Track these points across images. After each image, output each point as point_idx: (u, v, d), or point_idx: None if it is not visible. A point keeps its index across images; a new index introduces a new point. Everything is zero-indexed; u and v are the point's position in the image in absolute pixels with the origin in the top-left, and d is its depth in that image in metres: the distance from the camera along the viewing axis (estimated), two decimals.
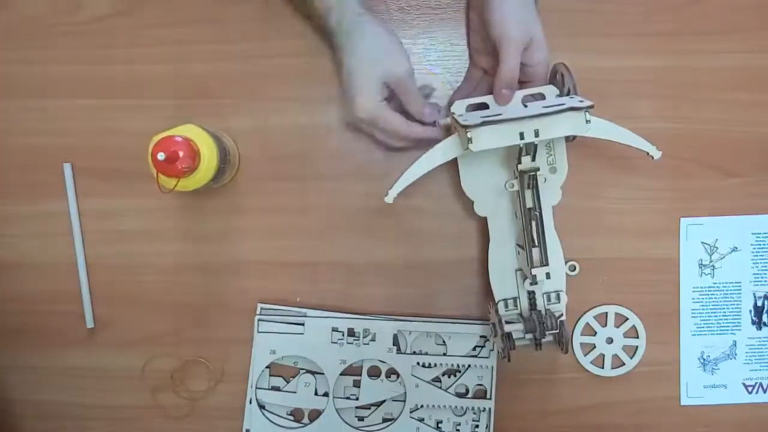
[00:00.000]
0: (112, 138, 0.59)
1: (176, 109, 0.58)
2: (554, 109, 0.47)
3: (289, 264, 0.60)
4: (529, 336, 0.53)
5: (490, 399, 0.58)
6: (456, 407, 0.59)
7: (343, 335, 0.59)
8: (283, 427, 0.59)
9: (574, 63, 0.57)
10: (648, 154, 0.50)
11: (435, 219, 0.59)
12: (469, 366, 0.59)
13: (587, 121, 0.47)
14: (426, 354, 0.59)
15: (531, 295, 0.54)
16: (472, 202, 0.54)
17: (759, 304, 0.60)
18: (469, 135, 0.46)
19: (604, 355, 0.59)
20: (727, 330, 0.60)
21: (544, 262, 0.50)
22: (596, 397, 0.60)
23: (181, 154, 0.48)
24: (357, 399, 0.59)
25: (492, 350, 0.58)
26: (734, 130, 0.59)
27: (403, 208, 0.59)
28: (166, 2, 0.58)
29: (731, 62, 0.58)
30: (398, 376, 0.59)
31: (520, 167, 0.50)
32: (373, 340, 0.59)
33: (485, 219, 0.55)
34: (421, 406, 0.59)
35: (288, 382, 0.60)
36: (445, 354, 0.59)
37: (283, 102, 0.59)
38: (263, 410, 0.59)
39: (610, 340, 0.59)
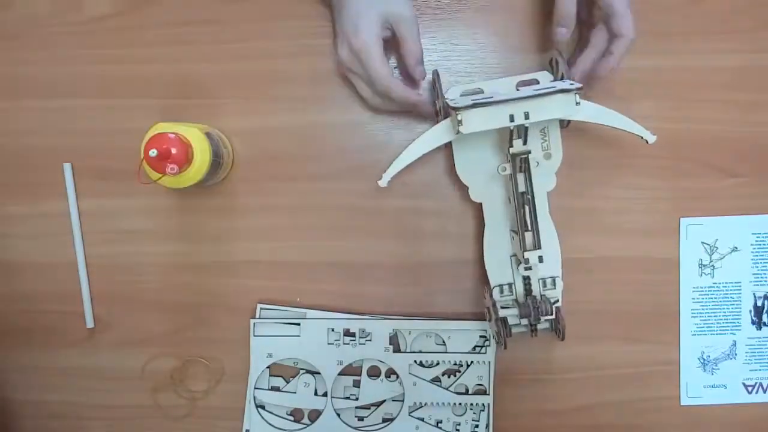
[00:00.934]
0: (112, 138, 0.59)
1: (176, 109, 0.59)
2: (544, 91, 0.47)
3: (288, 264, 0.60)
4: (524, 321, 0.53)
5: (489, 395, 0.58)
6: (456, 405, 0.59)
7: (339, 336, 0.59)
8: (282, 428, 0.59)
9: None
10: (642, 138, 0.50)
11: (434, 218, 0.59)
12: (469, 365, 0.59)
13: (577, 104, 0.47)
14: (424, 353, 0.59)
15: (526, 280, 0.54)
16: (467, 188, 0.55)
17: (759, 304, 0.60)
18: (459, 117, 0.46)
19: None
20: (727, 330, 0.60)
21: (537, 246, 0.50)
22: (596, 397, 0.60)
23: (173, 151, 0.48)
24: (357, 399, 0.59)
25: (489, 344, 0.58)
26: (734, 130, 0.59)
27: (403, 208, 0.59)
28: (166, 2, 0.58)
29: (731, 62, 0.58)
30: (398, 376, 0.59)
31: (511, 150, 0.50)
32: (369, 340, 0.59)
33: (485, 219, 0.55)
34: (421, 406, 0.59)
35: (288, 382, 0.60)
36: (444, 353, 0.59)
37: (283, 102, 0.59)
38: (263, 410, 0.59)
39: None
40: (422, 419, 0.59)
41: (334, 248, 0.59)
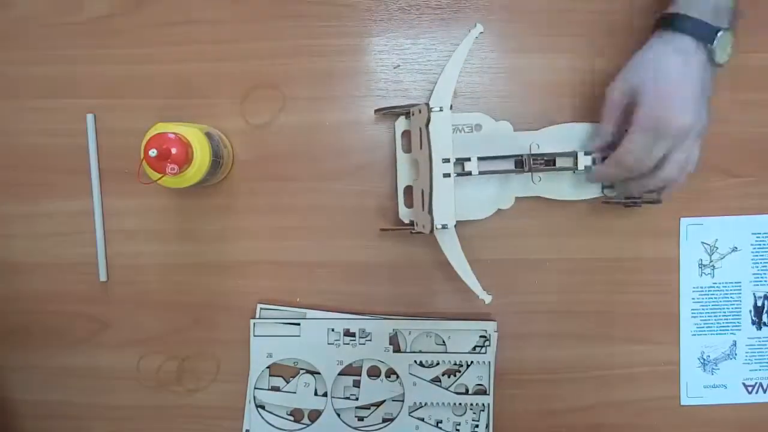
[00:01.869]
0: (112, 138, 0.59)
1: (175, 109, 0.59)
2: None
3: (288, 264, 0.60)
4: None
5: (489, 395, 0.58)
6: (456, 405, 0.59)
7: (339, 336, 0.59)
8: (282, 428, 0.59)
9: (574, 63, 0.58)
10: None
11: None
12: (469, 365, 0.59)
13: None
14: (424, 353, 0.59)
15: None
16: None
17: (759, 304, 0.60)
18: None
19: None
20: (727, 330, 0.60)
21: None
22: (596, 397, 0.60)
23: (173, 151, 0.48)
24: (357, 399, 0.59)
25: (489, 344, 0.58)
26: (734, 130, 0.59)
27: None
28: (166, 2, 0.58)
29: (731, 62, 0.58)
30: (398, 376, 0.59)
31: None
32: (369, 340, 0.59)
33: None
34: (421, 406, 0.59)
35: (288, 382, 0.60)
36: (444, 353, 0.59)
37: (283, 102, 0.59)
38: (263, 410, 0.59)
39: None
40: (422, 419, 0.59)
41: (334, 248, 0.59)
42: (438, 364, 0.59)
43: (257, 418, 0.59)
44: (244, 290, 0.60)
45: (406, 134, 0.58)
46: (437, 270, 0.59)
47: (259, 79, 0.59)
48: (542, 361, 0.60)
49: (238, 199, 0.59)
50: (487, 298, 0.55)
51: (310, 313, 0.59)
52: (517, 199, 0.57)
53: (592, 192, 0.56)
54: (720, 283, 0.60)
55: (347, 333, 0.59)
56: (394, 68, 0.59)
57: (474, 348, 0.59)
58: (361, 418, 0.60)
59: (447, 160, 0.52)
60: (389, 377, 0.59)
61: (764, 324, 0.60)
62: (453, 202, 0.53)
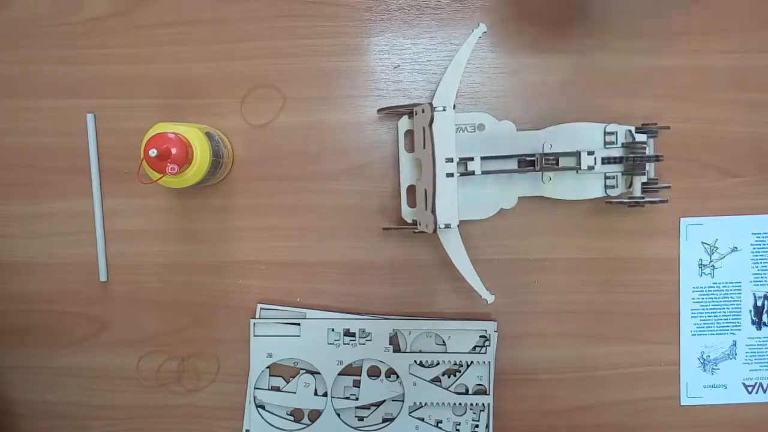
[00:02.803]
0: (112, 138, 0.59)
1: (175, 109, 0.59)
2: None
3: (288, 264, 0.60)
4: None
5: (489, 395, 0.58)
6: (456, 405, 0.59)
7: (339, 336, 0.59)
8: (282, 428, 0.59)
9: (574, 63, 0.58)
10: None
11: None
12: (469, 365, 0.59)
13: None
14: (424, 353, 0.59)
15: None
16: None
17: (759, 304, 0.60)
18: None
19: None
20: (727, 330, 0.60)
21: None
22: (596, 397, 0.60)
23: (173, 151, 0.48)
24: (357, 399, 0.59)
25: (489, 344, 0.58)
26: (734, 130, 0.59)
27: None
28: (166, 2, 0.58)
29: (731, 62, 0.58)
30: (398, 376, 0.59)
31: None
32: (369, 340, 0.59)
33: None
34: (421, 406, 0.59)
35: (288, 382, 0.60)
36: (444, 353, 0.59)
37: (283, 102, 0.59)
38: (263, 410, 0.59)
39: None
40: (422, 419, 0.59)
41: (334, 248, 0.59)
42: (438, 364, 0.59)
43: (257, 418, 0.59)
44: (244, 290, 0.60)
45: (409, 134, 0.58)
46: (437, 270, 0.59)
47: (259, 79, 0.59)
48: (542, 361, 0.60)
49: (238, 199, 0.59)
50: (490, 298, 0.55)
51: (310, 313, 0.59)
52: (520, 198, 0.57)
53: (595, 192, 0.56)
54: (720, 283, 0.60)
55: (347, 333, 0.59)
56: (394, 68, 0.59)
57: (474, 348, 0.59)
58: (361, 418, 0.60)
59: (450, 160, 0.52)
60: (389, 377, 0.59)
61: (764, 324, 0.60)
62: (456, 202, 0.53)
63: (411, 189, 0.58)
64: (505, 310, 0.59)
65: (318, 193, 0.59)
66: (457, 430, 0.59)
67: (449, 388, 0.59)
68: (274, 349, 0.59)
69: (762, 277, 0.60)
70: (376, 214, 0.59)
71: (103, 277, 0.60)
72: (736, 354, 0.60)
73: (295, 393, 0.59)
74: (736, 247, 0.60)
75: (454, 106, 0.53)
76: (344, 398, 0.59)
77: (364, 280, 0.60)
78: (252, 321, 0.59)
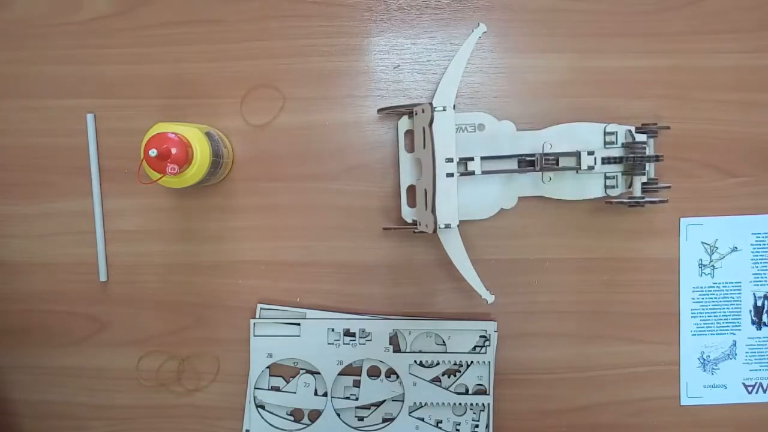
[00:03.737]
0: (112, 138, 0.59)
1: (175, 109, 0.59)
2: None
3: (288, 264, 0.60)
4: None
5: (489, 395, 0.58)
6: (456, 405, 0.59)
7: (339, 336, 0.59)
8: (282, 428, 0.59)
9: (574, 63, 0.58)
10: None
11: None
12: (469, 365, 0.59)
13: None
14: (424, 353, 0.59)
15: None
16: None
17: (759, 304, 0.60)
18: None
19: None
20: (727, 330, 0.60)
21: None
22: (596, 397, 0.60)
23: (173, 151, 0.48)
24: (357, 399, 0.59)
25: (489, 344, 0.58)
26: (734, 130, 0.59)
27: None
28: (166, 2, 0.58)
29: (731, 62, 0.58)
30: (398, 376, 0.59)
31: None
32: (369, 340, 0.59)
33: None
34: (421, 406, 0.59)
35: (288, 382, 0.60)
36: (444, 353, 0.59)
37: (283, 102, 0.59)
38: (263, 410, 0.59)
39: None
40: (422, 419, 0.59)
41: (334, 248, 0.59)
42: (438, 364, 0.59)
43: (257, 418, 0.59)
44: (244, 290, 0.60)
45: (409, 134, 0.58)
46: (437, 270, 0.59)
47: (259, 79, 0.59)
48: (542, 361, 0.60)
49: (238, 199, 0.59)
50: (490, 298, 0.55)
51: (310, 313, 0.59)
52: (520, 198, 0.57)
53: (595, 192, 0.56)
54: (720, 283, 0.60)
55: (347, 333, 0.59)
56: (394, 68, 0.59)
57: (474, 348, 0.59)
58: (361, 418, 0.60)
59: (450, 160, 0.52)
60: (389, 377, 0.59)
61: (764, 324, 0.60)
62: (456, 202, 0.53)
63: (411, 189, 0.58)
64: (505, 310, 0.59)
65: (318, 193, 0.59)
66: (457, 430, 0.59)
67: (449, 388, 0.59)
68: (274, 349, 0.59)
69: (762, 277, 0.60)
70: (376, 214, 0.59)
71: (103, 277, 0.60)
72: (736, 354, 0.60)
73: (295, 393, 0.59)
74: (736, 247, 0.60)
75: (454, 106, 0.53)
76: (344, 398, 0.59)
77: (364, 280, 0.60)
78: (252, 321, 0.59)
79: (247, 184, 0.59)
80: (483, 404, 0.59)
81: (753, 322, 0.60)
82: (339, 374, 0.59)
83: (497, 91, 0.58)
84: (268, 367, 0.59)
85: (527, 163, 0.55)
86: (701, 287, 0.60)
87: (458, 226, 0.53)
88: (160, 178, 0.49)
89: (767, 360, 0.60)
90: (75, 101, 0.59)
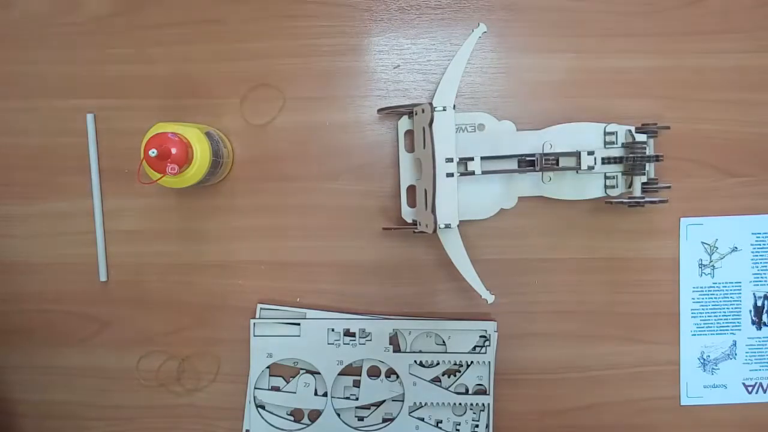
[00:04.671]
0: (112, 138, 0.59)
1: (175, 109, 0.59)
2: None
3: (288, 264, 0.60)
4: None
5: (489, 395, 0.58)
6: (456, 405, 0.59)
7: (339, 336, 0.59)
8: (282, 428, 0.59)
9: (574, 63, 0.58)
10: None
11: None
12: (469, 365, 0.59)
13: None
14: (424, 353, 0.59)
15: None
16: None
17: (759, 304, 0.60)
18: None
19: None
20: (727, 330, 0.60)
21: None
22: (596, 397, 0.60)
23: (173, 151, 0.48)
24: (357, 399, 0.59)
25: (489, 344, 0.58)
26: (734, 130, 0.59)
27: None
28: (166, 2, 0.58)
29: (731, 62, 0.58)
30: (398, 376, 0.59)
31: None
32: (369, 340, 0.59)
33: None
34: (421, 406, 0.59)
35: (288, 382, 0.60)
36: (444, 353, 0.59)
37: (283, 102, 0.59)
38: (263, 410, 0.59)
39: None
40: (422, 419, 0.59)
41: (334, 248, 0.59)
42: (438, 364, 0.59)
43: (257, 418, 0.59)
44: (244, 290, 0.60)
45: (409, 134, 0.58)
46: (437, 270, 0.59)
47: (259, 79, 0.59)
48: (542, 361, 0.60)
49: (238, 199, 0.59)
50: (490, 298, 0.55)
51: (310, 313, 0.59)
52: (520, 198, 0.57)
53: (595, 192, 0.56)
54: (720, 283, 0.60)
55: (347, 333, 0.59)
56: (394, 68, 0.59)
57: (474, 348, 0.59)
58: (361, 418, 0.60)
59: (450, 160, 0.52)
60: (389, 377, 0.59)
61: (764, 324, 0.60)
62: (456, 202, 0.53)
63: (411, 189, 0.58)
64: (505, 310, 0.59)
65: (318, 193, 0.59)
66: (457, 430, 0.59)
67: (449, 388, 0.59)
68: (274, 349, 0.59)
69: (762, 277, 0.60)
70: (376, 214, 0.59)
71: (103, 277, 0.60)
72: (736, 354, 0.60)
73: (295, 393, 0.59)
74: (736, 247, 0.60)
75: (454, 106, 0.53)
76: (344, 398, 0.59)
77: (364, 280, 0.60)
78: (252, 321, 0.59)
79: (247, 184, 0.59)
80: (483, 404, 0.59)
81: (753, 322, 0.60)
82: (339, 374, 0.59)
83: (497, 91, 0.58)
84: (268, 367, 0.59)
85: (527, 163, 0.55)
86: (701, 287, 0.60)
87: (458, 226, 0.53)
88: (160, 178, 0.49)
89: (767, 360, 0.60)
90: (75, 101, 0.59)
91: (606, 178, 0.56)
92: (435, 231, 0.53)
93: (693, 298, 0.60)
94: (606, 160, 0.54)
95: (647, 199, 0.54)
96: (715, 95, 0.58)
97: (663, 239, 0.59)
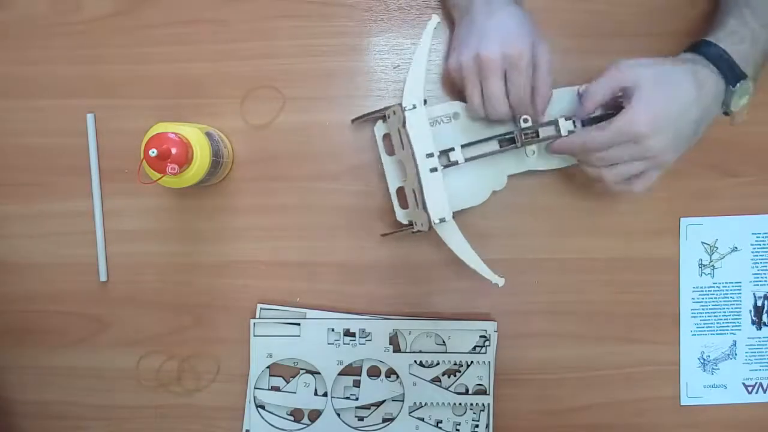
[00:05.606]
0: (112, 138, 0.59)
1: (175, 109, 0.59)
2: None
3: (288, 264, 0.60)
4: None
5: (489, 395, 0.58)
6: (456, 405, 0.59)
7: (339, 336, 0.59)
8: (282, 428, 0.59)
9: (574, 63, 0.58)
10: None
11: None
12: (469, 365, 0.59)
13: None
14: (424, 353, 0.59)
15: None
16: None
17: (759, 304, 0.60)
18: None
19: None
20: (727, 330, 0.60)
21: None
22: (596, 397, 0.60)
23: (173, 151, 0.48)
24: (357, 399, 0.59)
25: (489, 344, 0.58)
26: (734, 130, 0.58)
27: None
28: (166, 2, 0.58)
29: None
30: (398, 376, 0.59)
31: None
32: (369, 340, 0.59)
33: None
34: (421, 406, 0.59)
35: (288, 382, 0.60)
36: (444, 353, 0.59)
37: (283, 102, 0.59)
38: (263, 410, 0.59)
39: None
40: (422, 419, 0.59)
41: (334, 248, 0.59)
42: (438, 364, 0.59)
43: (257, 418, 0.59)
44: (244, 290, 0.60)
45: (387, 137, 0.58)
46: (437, 270, 0.59)
47: (259, 79, 0.59)
48: (542, 361, 0.60)
49: (238, 199, 0.59)
50: (500, 281, 0.54)
51: (310, 313, 0.59)
52: (510, 177, 0.56)
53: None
54: (720, 283, 0.60)
55: (347, 333, 0.59)
56: (394, 68, 0.59)
57: (474, 348, 0.59)
58: (361, 418, 0.60)
59: (431, 155, 0.52)
60: (389, 377, 0.59)
61: (764, 324, 0.60)
62: (445, 195, 0.53)
63: (401, 191, 0.58)
64: (505, 310, 0.59)
65: (318, 193, 0.59)
66: (457, 430, 0.59)
67: (449, 388, 0.59)
68: (274, 349, 0.59)
69: (762, 277, 0.60)
70: (376, 213, 0.59)
71: (103, 277, 0.60)
72: (736, 354, 0.60)
73: (295, 393, 0.59)
74: (736, 247, 0.60)
75: (425, 101, 0.53)
76: (344, 398, 0.59)
77: (364, 280, 0.60)
78: (252, 321, 0.59)
79: (247, 184, 0.59)
80: (483, 404, 0.59)
81: (753, 322, 0.60)
82: (339, 374, 0.59)
83: None
84: (268, 367, 0.59)
85: (508, 141, 0.54)
86: (701, 287, 0.60)
87: (453, 217, 0.53)
88: (160, 178, 0.49)
89: (767, 360, 0.60)
90: (75, 101, 0.59)
91: None
92: (431, 228, 0.53)
93: (693, 298, 0.60)
94: (585, 122, 0.53)
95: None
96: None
97: (663, 239, 0.59)
